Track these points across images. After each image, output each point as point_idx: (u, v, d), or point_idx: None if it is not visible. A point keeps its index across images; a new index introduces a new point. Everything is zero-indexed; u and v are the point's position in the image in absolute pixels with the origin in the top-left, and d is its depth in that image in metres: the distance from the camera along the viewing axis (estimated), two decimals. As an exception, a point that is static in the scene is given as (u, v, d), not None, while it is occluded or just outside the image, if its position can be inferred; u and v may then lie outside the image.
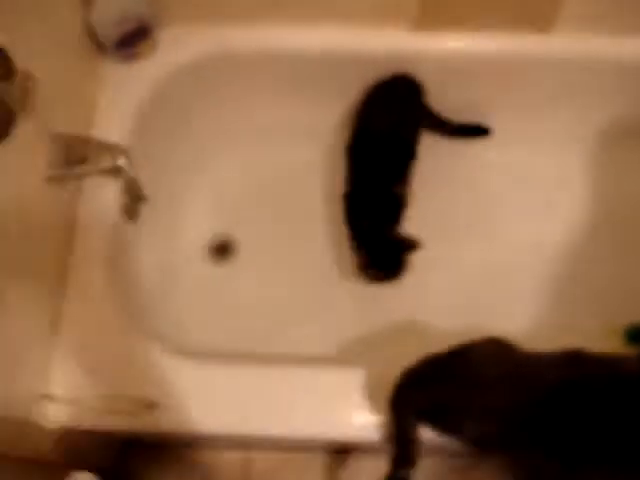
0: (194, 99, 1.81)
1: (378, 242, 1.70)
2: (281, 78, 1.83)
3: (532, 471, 1.22)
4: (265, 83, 1.85)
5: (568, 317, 1.76)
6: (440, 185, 1.89)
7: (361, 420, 1.30)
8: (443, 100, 1.85)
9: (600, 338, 1.35)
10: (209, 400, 1.33)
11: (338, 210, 1.81)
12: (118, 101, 1.62)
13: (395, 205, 1.75)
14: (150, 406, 1.29)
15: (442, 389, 1.19)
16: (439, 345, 1.24)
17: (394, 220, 1.74)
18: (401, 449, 1.21)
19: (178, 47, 1.69)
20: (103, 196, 1.51)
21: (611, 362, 1.17)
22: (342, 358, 1.68)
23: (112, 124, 1.58)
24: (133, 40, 1.60)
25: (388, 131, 1.75)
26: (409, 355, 1.25)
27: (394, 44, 1.72)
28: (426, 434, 1.22)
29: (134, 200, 1.55)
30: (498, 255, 1.85)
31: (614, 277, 1.82)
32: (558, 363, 1.17)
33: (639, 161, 1.97)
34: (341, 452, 1.72)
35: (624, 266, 1.84)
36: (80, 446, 1.48)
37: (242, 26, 1.69)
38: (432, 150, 1.85)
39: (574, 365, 1.16)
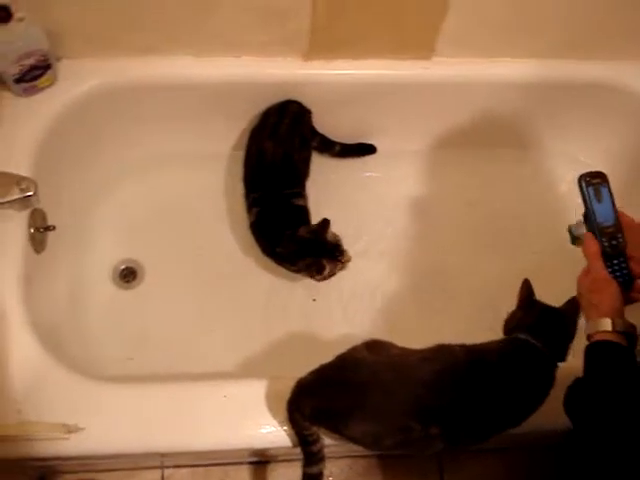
0: (95, 129, 1.84)
1: (314, 243, 1.73)
2: (179, 107, 1.89)
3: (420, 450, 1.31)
4: (163, 112, 1.90)
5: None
6: (329, 200, 2.00)
7: (271, 428, 1.35)
8: (333, 123, 1.97)
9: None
10: (124, 421, 1.34)
11: (239, 228, 1.91)
12: (19, 133, 1.63)
13: (300, 213, 1.83)
14: (69, 430, 1.30)
15: (324, 394, 1.29)
16: (333, 352, 1.33)
17: (306, 223, 1.81)
18: (305, 449, 1.29)
19: (78, 79, 1.73)
20: (9, 229, 1.51)
21: (475, 350, 1.30)
22: (251, 370, 1.75)
23: (14, 156, 1.59)
24: (33, 74, 1.62)
25: (280, 157, 1.83)
26: (310, 364, 1.32)
27: (286, 73, 1.82)
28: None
29: (41, 231, 1.57)
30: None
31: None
32: (429, 357, 1.29)
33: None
34: (260, 463, 1.76)
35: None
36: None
37: (140, 58, 1.75)
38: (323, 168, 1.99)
39: (442, 357, 1.29)
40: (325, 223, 1.72)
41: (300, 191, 1.86)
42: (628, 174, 2.02)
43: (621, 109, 2.00)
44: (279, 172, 1.83)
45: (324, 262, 1.70)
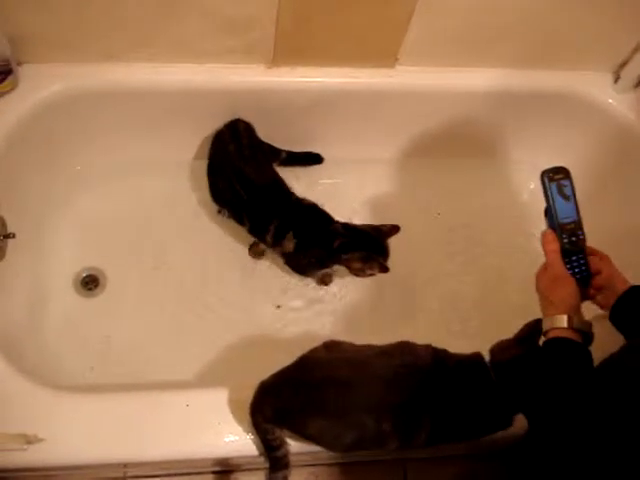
0: (56, 135, 1.83)
1: (365, 238, 1.69)
2: (141, 114, 1.88)
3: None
4: (125, 119, 1.89)
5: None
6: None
7: (234, 437, 1.35)
8: (295, 131, 1.98)
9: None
10: (85, 431, 1.32)
11: (200, 236, 1.93)
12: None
13: (316, 209, 1.77)
14: (28, 441, 1.27)
15: (284, 394, 1.30)
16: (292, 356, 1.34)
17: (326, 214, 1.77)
18: (270, 455, 1.29)
19: (39, 84, 1.71)
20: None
21: (439, 355, 1.31)
22: (213, 378, 1.73)
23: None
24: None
25: (263, 175, 1.79)
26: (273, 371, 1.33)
27: (249, 80, 1.82)
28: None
29: (1, 238, 1.54)
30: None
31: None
32: (388, 352, 1.31)
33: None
34: (223, 472, 1.75)
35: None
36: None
37: (103, 64, 1.73)
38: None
39: (402, 354, 1.30)
40: (395, 229, 1.70)
41: (294, 192, 1.81)
42: (590, 183, 2.05)
43: (583, 118, 2.04)
44: (274, 189, 1.79)
45: (380, 260, 1.68)
